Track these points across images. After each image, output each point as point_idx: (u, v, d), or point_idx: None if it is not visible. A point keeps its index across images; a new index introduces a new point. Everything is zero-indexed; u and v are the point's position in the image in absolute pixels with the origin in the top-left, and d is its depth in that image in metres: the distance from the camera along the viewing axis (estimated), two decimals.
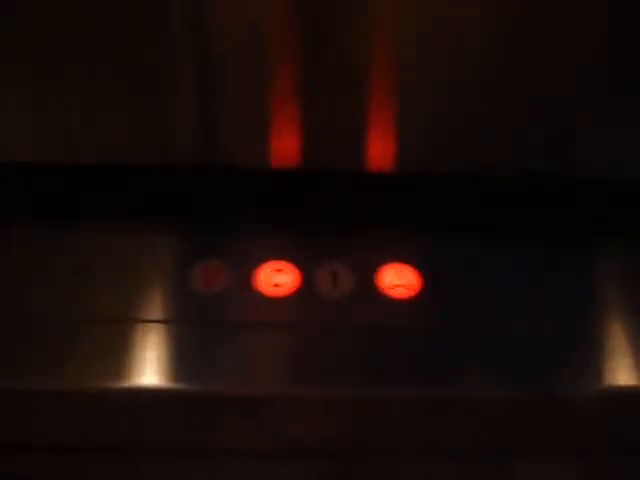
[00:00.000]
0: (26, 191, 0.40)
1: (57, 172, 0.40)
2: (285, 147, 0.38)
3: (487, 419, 0.37)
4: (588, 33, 0.34)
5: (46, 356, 0.36)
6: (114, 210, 0.40)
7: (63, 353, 0.36)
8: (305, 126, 0.37)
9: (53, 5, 0.33)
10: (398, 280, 0.39)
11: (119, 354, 0.36)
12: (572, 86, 0.36)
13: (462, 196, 0.41)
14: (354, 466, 0.39)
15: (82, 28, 0.34)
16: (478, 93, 0.36)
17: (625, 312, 0.39)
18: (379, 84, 0.36)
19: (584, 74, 0.36)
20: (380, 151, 0.38)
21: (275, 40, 0.34)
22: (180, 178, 0.40)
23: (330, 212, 0.40)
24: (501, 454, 0.39)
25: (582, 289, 0.39)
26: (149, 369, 0.36)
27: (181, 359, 0.36)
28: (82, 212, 0.40)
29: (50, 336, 0.36)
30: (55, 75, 0.35)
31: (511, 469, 0.40)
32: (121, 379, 0.35)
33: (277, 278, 0.38)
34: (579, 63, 0.35)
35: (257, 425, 0.36)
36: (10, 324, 0.37)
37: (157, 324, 0.37)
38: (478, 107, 0.36)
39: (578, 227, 0.41)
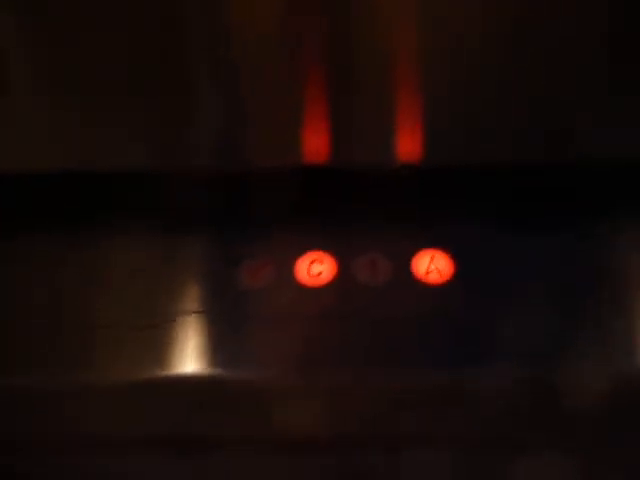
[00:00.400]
0: (72, 199, 0.43)
1: (101, 179, 0.42)
2: (315, 145, 0.40)
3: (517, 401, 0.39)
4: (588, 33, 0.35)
5: (103, 350, 0.38)
6: (161, 216, 0.42)
7: (118, 345, 0.38)
8: (334, 124, 0.39)
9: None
10: (432, 266, 0.41)
11: (174, 344, 0.39)
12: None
13: (489, 188, 0.42)
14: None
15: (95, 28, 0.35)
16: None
17: None
18: (404, 81, 0.38)
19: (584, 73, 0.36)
20: (408, 145, 0.40)
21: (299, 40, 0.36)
22: (222, 180, 0.42)
23: (364, 205, 0.42)
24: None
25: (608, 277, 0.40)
26: (199, 358, 0.38)
27: (229, 349, 0.38)
28: (132, 218, 0.42)
29: (106, 330, 0.39)
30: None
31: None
32: (173, 368, 0.38)
33: (317, 269, 0.41)
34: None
35: (298, 412, 0.38)
36: (71, 321, 0.39)
37: (206, 316, 0.39)
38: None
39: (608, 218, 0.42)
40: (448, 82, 0.37)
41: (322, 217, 0.42)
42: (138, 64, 0.36)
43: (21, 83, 0.36)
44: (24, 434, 0.41)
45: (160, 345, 0.39)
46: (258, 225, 0.41)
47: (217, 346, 0.38)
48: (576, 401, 0.38)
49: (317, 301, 0.40)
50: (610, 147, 0.38)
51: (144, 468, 0.42)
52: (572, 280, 0.40)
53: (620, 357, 0.38)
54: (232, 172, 0.41)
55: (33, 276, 0.40)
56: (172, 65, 0.36)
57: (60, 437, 0.41)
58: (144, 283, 0.40)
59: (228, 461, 0.41)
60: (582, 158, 0.39)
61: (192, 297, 0.40)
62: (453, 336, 0.39)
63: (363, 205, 0.42)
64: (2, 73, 0.36)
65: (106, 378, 0.38)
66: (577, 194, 0.42)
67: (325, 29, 0.34)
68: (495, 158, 0.40)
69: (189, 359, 0.38)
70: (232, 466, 0.41)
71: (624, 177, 0.41)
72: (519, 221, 0.42)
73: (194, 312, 0.39)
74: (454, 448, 0.41)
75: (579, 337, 0.38)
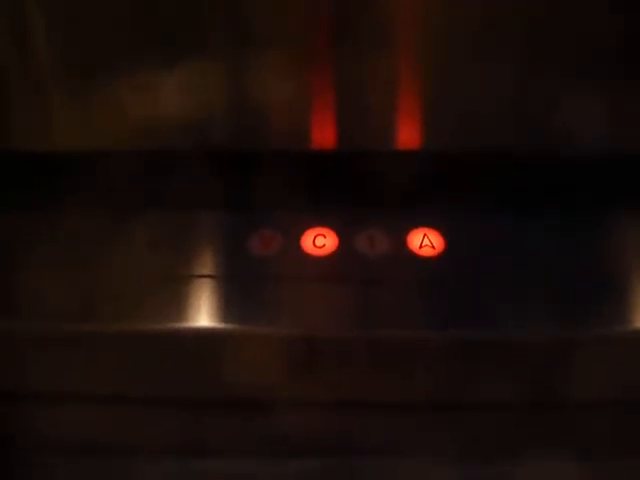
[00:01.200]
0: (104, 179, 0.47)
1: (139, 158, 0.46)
2: (320, 130, 0.44)
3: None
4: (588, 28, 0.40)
5: (127, 305, 0.43)
6: (184, 192, 0.46)
7: (143, 302, 0.43)
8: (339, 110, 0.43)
9: None
10: (425, 242, 0.45)
11: (190, 302, 0.43)
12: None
13: (479, 171, 0.46)
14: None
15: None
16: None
17: None
18: (406, 71, 0.42)
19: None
20: (408, 132, 0.45)
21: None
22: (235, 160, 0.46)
23: (365, 186, 0.46)
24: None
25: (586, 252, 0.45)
26: (213, 314, 0.43)
27: (240, 306, 0.43)
28: (155, 195, 0.46)
29: (132, 290, 0.43)
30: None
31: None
32: (192, 321, 0.42)
33: (320, 241, 0.45)
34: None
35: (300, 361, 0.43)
36: (98, 282, 0.44)
37: (220, 280, 0.44)
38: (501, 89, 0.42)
39: (588, 198, 0.46)
40: (448, 73, 0.41)
41: (327, 197, 0.46)
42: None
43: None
44: (36, 381, 0.45)
45: (178, 302, 0.43)
46: (270, 203, 0.46)
47: (235, 303, 0.43)
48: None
49: (320, 268, 0.44)
50: (604, 142, 0.43)
51: (150, 417, 0.46)
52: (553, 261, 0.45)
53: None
54: (247, 153, 0.45)
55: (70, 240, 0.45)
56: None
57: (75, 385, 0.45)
58: (163, 251, 0.44)
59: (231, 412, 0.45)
60: (576, 151, 0.44)
61: (212, 264, 0.44)
62: (442, 301, 0.43)
63: (365, 187, 0.46)
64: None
65: (129, 327, 0.42)
66: (568, 185, 0.46)
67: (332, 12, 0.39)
68: (489, 146, 0.44)
69: (203, 315, 0.43)
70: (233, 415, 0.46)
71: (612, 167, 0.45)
72: (505, 204, 0.46)
73: (208, 276, 0.44)
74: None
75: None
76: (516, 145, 0.44)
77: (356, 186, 0.46)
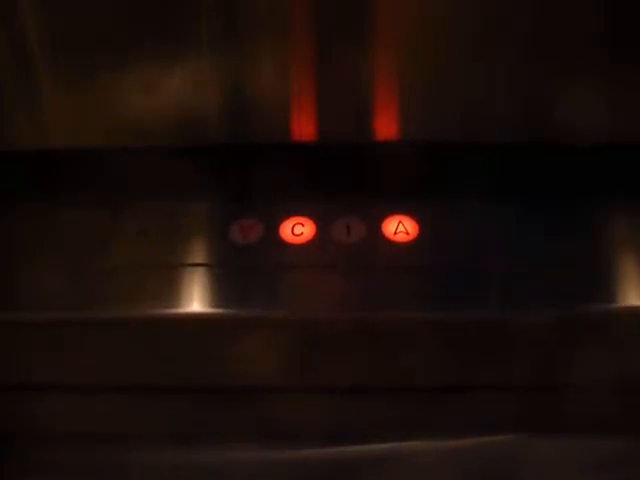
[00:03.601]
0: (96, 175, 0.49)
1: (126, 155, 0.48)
2: (303, 124, 0.46)
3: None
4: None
5: (118, 293, 0.44)
6: (170, 183, 0.48)
7: (131, 290, 0.45)
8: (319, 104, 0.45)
9: None
10: (400, 228, 0.47)
11: (174, 291, 0.45)
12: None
13: (452, 160, 0.48)
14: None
15: None
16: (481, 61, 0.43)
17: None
18: (383, 64, 0.44)
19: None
20: (385, 123, 0.46)
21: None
22: (218, 153, 0.48)
23: (343, 176, 0.48)
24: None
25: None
26: (196, 301, 0.44)
27: (222, 293, 0.45)
28: (142, 187, 0.48)
29: (120, 279, 0.45)
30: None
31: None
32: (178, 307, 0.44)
33: (299, 229, 0.47)
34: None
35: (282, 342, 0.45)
36: (90, 272, 0.45)
37: (203, 268, 0.45)
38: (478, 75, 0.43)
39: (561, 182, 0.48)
40: (424, 65, 0.43)
41: (307, 187, 0.48)
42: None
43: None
44: (41, 371, 0.47)
45: (167, 288, 0.45)
46: (250, 193, 0.48)
47: (217, 290, 0.45)
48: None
49: (299, 255, 0.46)
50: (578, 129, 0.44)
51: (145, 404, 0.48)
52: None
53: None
54: (230, 147, 0.47)
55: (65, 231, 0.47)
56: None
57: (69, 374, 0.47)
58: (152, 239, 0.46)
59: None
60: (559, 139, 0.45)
61: (195, 252, 0.46)
62: (419, 283, 0.45)
63: (342, 177, 0.48)
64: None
65: (121, 313, 0.44)
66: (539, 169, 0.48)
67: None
68: (464, 137, 0.46)
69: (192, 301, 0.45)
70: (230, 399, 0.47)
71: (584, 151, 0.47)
72: (476, 191, 0.48)
73: (192, 264, 0.45)
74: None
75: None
76: (486, 132, 0.46)
77: (333, 177, 0.48)
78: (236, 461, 0.49)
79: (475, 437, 0.49)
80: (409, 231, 0.47)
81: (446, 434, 0.49)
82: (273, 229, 0.47)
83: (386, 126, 0.47)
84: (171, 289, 0.45)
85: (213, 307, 0.44)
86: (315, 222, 0.47)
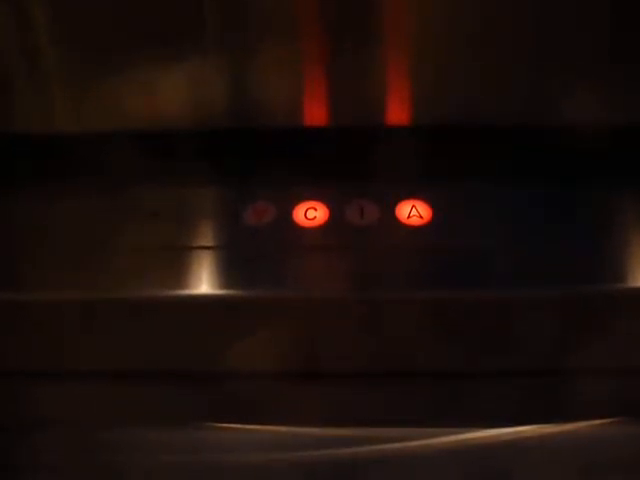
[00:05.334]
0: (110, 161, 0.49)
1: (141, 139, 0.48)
2: (313, 108, 0.46)
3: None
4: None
5: (131, 274, 0.45)
6: (183, 167, 0.48)
7: (144, 272, 0.45)
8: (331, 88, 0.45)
9: None
10: (413, 212, 0.47)
11: (186, 273, 0.45)
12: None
13: (463, 145, 0.48)
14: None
15: None
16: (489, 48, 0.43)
17: None
18: (395, 51, 0.44)
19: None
20: (396, 108, 0.46)
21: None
22: (231, 137, 0.48)
23: (356, 160, 0.48)
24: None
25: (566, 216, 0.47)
26: (208, 283, 0.45)
27: (235, 275, 0.45)
28: (155, 170, 0.48)
29: (135, 260, 0.45)
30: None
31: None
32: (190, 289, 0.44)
33: (312, 213, 0.47)
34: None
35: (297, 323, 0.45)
36: (104, 253, 0.46)
37: (217, 250, 0.46)
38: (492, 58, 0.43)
39: (567, 167, 0.48)
40: (436, 52, 0.43)
41: (319, 171, 0.48)
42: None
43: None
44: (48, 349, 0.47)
45: (179, 270, 0.45)
46: (266, 176, 0.48)
47: (232, 270, 0.45)
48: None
49: (311, 238, 0.46)
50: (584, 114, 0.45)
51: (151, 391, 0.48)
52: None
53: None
54: (243, 131, 0.47)
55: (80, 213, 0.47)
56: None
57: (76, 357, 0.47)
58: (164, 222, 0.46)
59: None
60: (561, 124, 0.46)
61: (210, 234, 0.46)
62: (431, 265, 0.45)
63: (355, 161, 0.48)
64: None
65: (132, 295, 0.44)
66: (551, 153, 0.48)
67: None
68: (476, 122, 0.46)
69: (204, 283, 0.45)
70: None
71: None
72: (489, 177, 0.48)
73: (206, 247, 0.46)
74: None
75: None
76: (500, 116, 0.46)
77: (346, 161, 0.48)
78: (242, 444, 0.49)
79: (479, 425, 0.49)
80: (422, 215, 0.47)
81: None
82: (286, 212, 0.47)
83: (398, 110, 0.47)
84: (182, 271, 0.45)
85: (225, 289, 0.44)
86: (328, 206, 0.47)
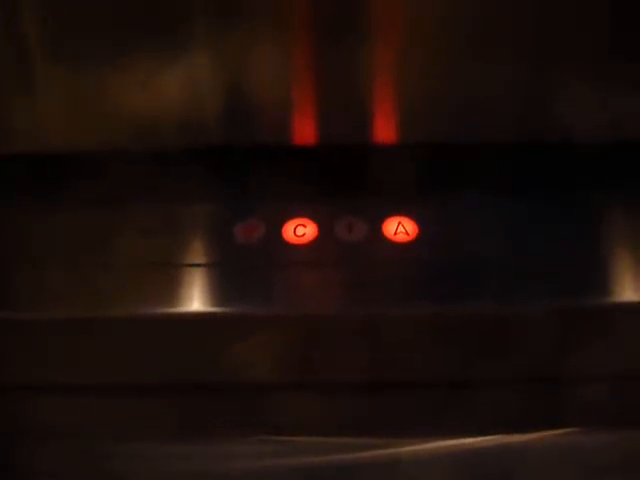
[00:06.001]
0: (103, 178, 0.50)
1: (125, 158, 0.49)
2: (302, 127, 0.47)
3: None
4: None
5: (124, 291, 0.45)
6: (171, 184, 0.49)
7: (137, 288, 0.46)
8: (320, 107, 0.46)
9: None
10: (400, 228, 0.48)
11: (176, 290, 0.46)
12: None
13: (451, 161, 0.49)
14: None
15: None
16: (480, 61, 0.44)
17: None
18: (381, 71, 0.45)
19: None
20: (383, 127, 0.47)
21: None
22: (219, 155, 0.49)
23: (343, 177, 0.49)
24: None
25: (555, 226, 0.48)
26: (198, 300, 0.45)
27: (224, 292, 0.46)
28: (144, 187, 0.49)
29: (127, 277, 0.46)
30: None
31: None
32: (180, 306, 0.45)
33: (301, 230, 0.48)
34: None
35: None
36: (91, 271, 0.46)
37: (206, 267, 0.47)
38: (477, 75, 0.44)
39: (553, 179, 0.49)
40: (422, 67, 0.44)
41: (308, 189, 0.49)
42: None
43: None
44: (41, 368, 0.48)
45: (168, 287, 0.46)
46: (253, 195, 0.49)
47: (223, 289, 0.46)
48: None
49: (301, 255, 0.47)
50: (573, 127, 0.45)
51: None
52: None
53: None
54: (233, 149, 0.48)
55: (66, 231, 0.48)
56: None
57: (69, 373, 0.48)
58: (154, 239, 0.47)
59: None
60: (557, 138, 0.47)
61: (200, 252, 0.47)
62: (419, 281, 0.46)
63: (343, 179, 0.49)
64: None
65: (123, 312, 0.45)
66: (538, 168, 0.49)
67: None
68: (459, 139, 0.47)
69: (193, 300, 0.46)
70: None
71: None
72: (478, 192, 0.49)
73: (197, 264, 0.47)
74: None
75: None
76: (485, 133, 0.47)
77: (334, 179, 0.49)
78: (237, 458, 0.50)
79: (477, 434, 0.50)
80: (409, 231, 0.48)
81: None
82: (275, 230, 0.48)
83: (385, 129, 0.48)
84: (173, 288, 0.46)
85: (215, 306, 0.45)
86: (317, 223, 0.48)
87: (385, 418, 0.50)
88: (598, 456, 0.50)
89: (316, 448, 0.49)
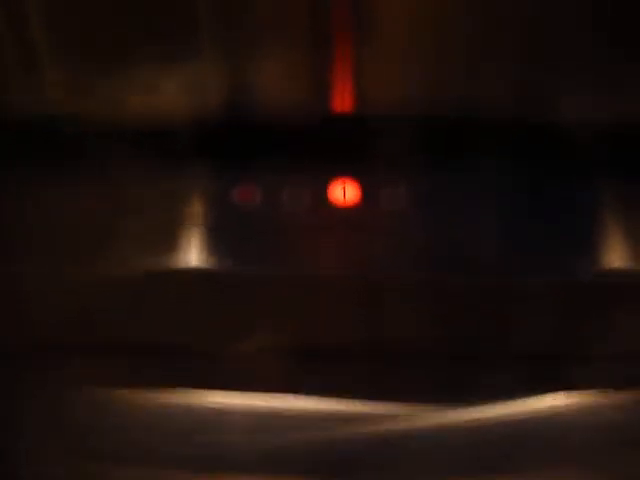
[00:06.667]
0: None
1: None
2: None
3: None
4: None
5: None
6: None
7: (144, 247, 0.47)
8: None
9: None
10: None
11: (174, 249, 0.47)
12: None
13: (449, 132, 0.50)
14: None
15: None
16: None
17: None
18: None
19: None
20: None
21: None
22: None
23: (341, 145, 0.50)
24: None
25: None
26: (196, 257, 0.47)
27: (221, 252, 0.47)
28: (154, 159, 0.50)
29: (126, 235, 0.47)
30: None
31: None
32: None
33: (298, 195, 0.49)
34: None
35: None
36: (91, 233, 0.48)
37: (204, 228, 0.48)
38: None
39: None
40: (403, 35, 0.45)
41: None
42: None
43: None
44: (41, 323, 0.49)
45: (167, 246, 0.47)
46: (251, 162, 0.50)
47: (215, 245, 0.47)
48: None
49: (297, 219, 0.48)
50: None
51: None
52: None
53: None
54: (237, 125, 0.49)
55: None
56: None
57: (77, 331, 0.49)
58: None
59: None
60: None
61: (199, 214, 0.48)
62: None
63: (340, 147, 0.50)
64: None
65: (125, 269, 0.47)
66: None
67: None
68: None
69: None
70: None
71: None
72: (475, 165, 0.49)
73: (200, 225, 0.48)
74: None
75: None
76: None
77: (330, 147, 0.50)
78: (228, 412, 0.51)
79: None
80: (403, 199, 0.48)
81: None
82: (273, 195, 0.49)
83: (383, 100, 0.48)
84: (171, 247, 0.47)
85: (212, 264, 0.46)
86: (312, 188, 0.49)
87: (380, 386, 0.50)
88: (602, 427, 0.49)
89: (312, 415, 0.50)
